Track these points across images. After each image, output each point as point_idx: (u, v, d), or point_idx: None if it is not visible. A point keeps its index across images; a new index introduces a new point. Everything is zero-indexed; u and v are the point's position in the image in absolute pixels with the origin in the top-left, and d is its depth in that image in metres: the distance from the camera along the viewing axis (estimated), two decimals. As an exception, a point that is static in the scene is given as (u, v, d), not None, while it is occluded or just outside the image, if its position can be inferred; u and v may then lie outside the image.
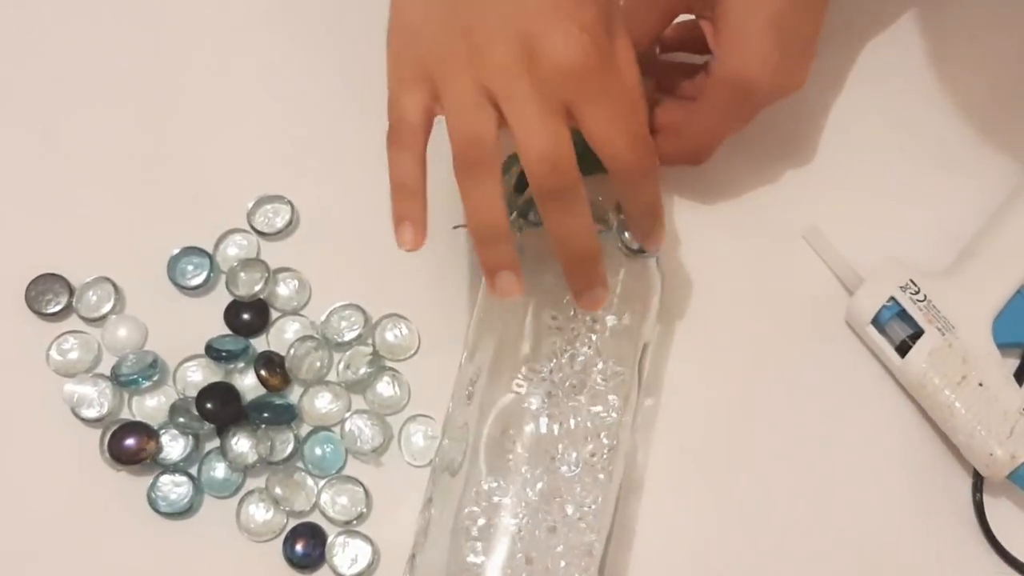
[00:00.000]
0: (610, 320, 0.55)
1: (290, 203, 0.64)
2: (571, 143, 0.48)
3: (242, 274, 0.62)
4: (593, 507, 0.52)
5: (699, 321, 0.62)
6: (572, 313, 0.55)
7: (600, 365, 0.54)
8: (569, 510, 0.52)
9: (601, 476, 0.53)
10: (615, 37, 0.49)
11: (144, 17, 0.68)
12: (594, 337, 0.55)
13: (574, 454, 0.53)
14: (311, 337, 0.61)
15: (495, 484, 0.53)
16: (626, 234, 0.56)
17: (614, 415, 0.54)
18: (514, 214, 0.56)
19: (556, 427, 0.53)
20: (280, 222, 0.63)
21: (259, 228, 0.63)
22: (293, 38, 0.67)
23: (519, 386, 0.54)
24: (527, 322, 0.55)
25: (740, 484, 0.59)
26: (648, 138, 0.50)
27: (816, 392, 0.61)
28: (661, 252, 0.57)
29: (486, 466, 0.53)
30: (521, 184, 0.55)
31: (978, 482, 0.58)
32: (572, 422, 0.53)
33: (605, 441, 0.54)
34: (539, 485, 0.52)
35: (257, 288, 0.61)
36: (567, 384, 0.54)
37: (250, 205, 0.63)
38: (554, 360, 0.54)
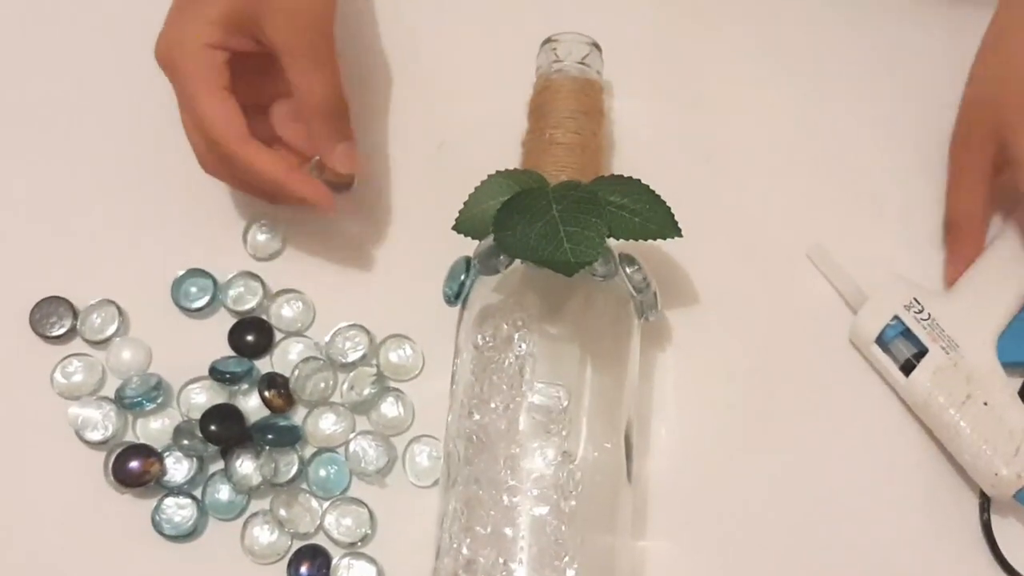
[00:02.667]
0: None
1: (290, 223, 0.64)
2: None
3: (236, 291, 0.62)
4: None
5: (703, 339, 0.62)
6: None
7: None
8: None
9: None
10: None
11: (148, 39, 0.68)
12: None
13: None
14: (315, 358, 0.61)
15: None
16: (637, 294, 0.56)
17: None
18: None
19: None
20: (280, 243, 0.63)
21: (259, 248, 0.63)
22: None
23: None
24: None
25: (745, 503, 0.59)
26: None
27: (821, 411, 0.60)
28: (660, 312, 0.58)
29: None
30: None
31: (985, 502, 0.58)
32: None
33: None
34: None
35: (251, 305, 0.62)
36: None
37: (248, 226, 0.63)
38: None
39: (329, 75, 0.58)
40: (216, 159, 0.59)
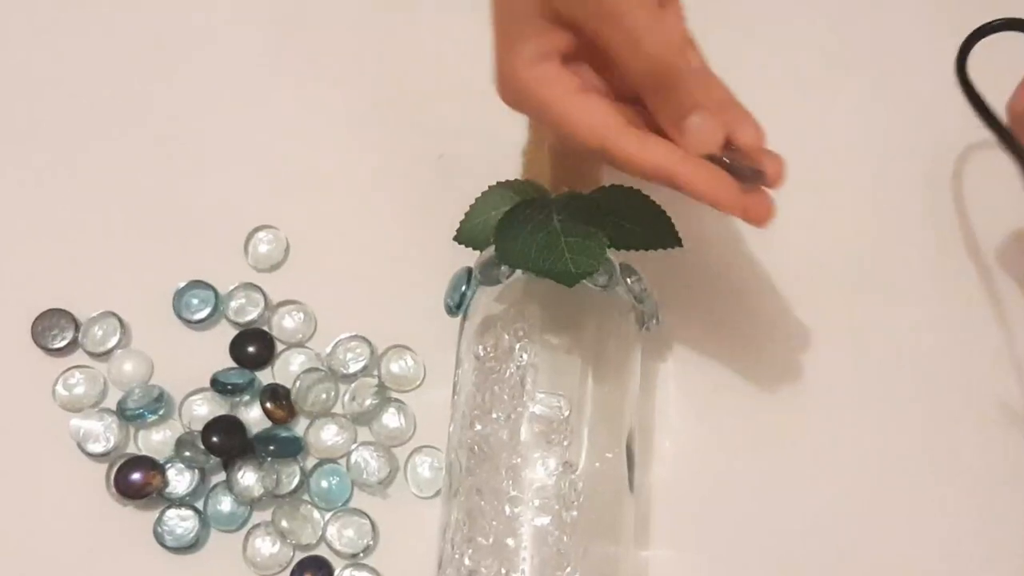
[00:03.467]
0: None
1: (291, 235, 0.64)
2: None
3: (237, 302, 0.62)
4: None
5: (703, 349, 0.62)
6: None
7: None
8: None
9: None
10: None
11: (142, 54, 0.68)
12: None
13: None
14: (317, 369, 0.61)
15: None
16: (638, 304, 0.57)
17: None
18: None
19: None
20: (282, 253, 0.63)
21: (260, 259, 0.63)
22: (288, 73, 0.68)
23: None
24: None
25: (748, 512, 0.59)
26: None
27: (823, 420, 0.60)
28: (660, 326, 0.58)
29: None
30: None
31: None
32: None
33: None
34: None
35: (253, 316, 0.62)
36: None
37: (249, 237, 0.64)
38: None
39: (642, 51, 0.48)
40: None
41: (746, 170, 0.48)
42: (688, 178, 0.48)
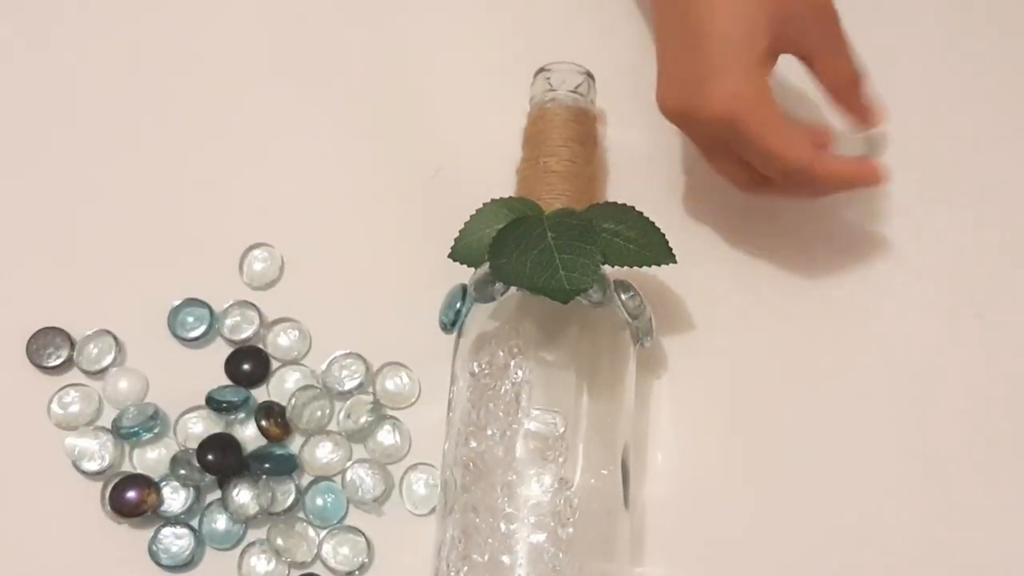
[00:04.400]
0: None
1: (286, 252, 0.64)
2: None
3: (232, 320, 0.62)
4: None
5: (698, 365, 0.62)
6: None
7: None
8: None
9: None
10: None
11: (137, 74, 0.68)
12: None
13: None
14: (312, 386, 0.61)
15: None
16: (633, 320, 0.57)
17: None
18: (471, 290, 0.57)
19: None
20: (277, 271, 0.64)
21: (255, 277, 0.64)
22: (284, 91, 0.68)
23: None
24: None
25: (743, 528, 0.59)
26: None
27: (817, 436, 0.60)
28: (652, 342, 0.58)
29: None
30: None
31: None
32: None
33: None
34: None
35: (248, 334, 0.62)
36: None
37: (244, 255, 0.64)
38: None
39: (847, 48, 0.58)
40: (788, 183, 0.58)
41: None
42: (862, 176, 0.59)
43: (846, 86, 0.59)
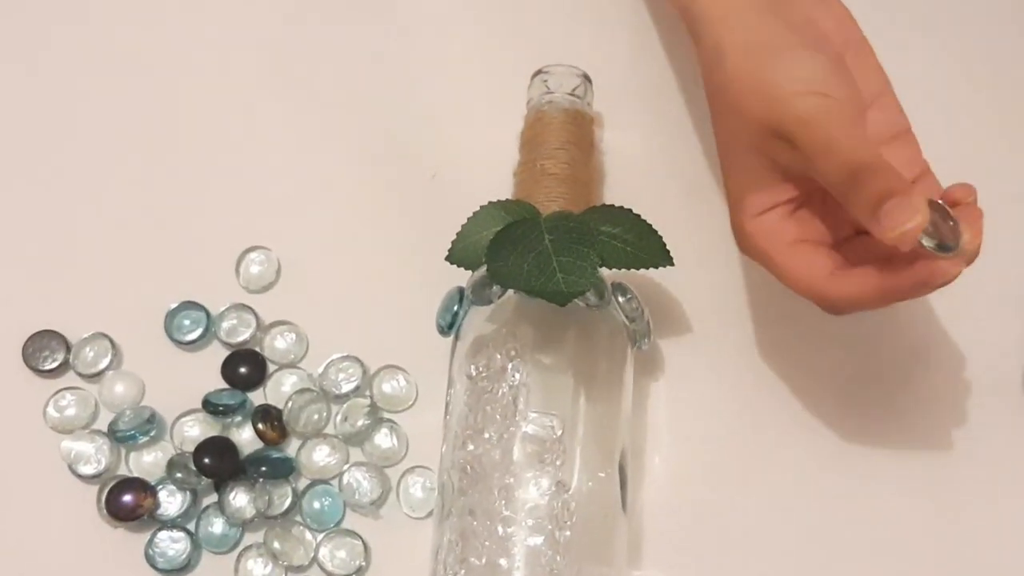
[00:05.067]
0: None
1: (283, 255, 0.64)
2: None
3: (229, 323, 0.62)
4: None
5: (696, 368, 0.62)
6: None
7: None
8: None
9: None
10: None
11: (133, 77, 0.68)
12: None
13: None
14: (309, 390, 0.61)
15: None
16: (630, 323, 0.57)
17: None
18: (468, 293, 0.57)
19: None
20: (273, 274, 0.64)
21: (252, 280, 0.63)
22: (280, 94, 0.68)
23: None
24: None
25: (741, 532, 0.59)
26: None
27: (815, 440, 0.61)
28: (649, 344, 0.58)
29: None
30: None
31: None
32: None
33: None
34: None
35: (244, 337, 0.62)
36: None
37: (241, 257, 0.64)
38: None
39: (836, 152, 0.49)
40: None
41: (946, 246, 0.48)
42: (892, 289, 0.50)
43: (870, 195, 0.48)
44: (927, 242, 0.47)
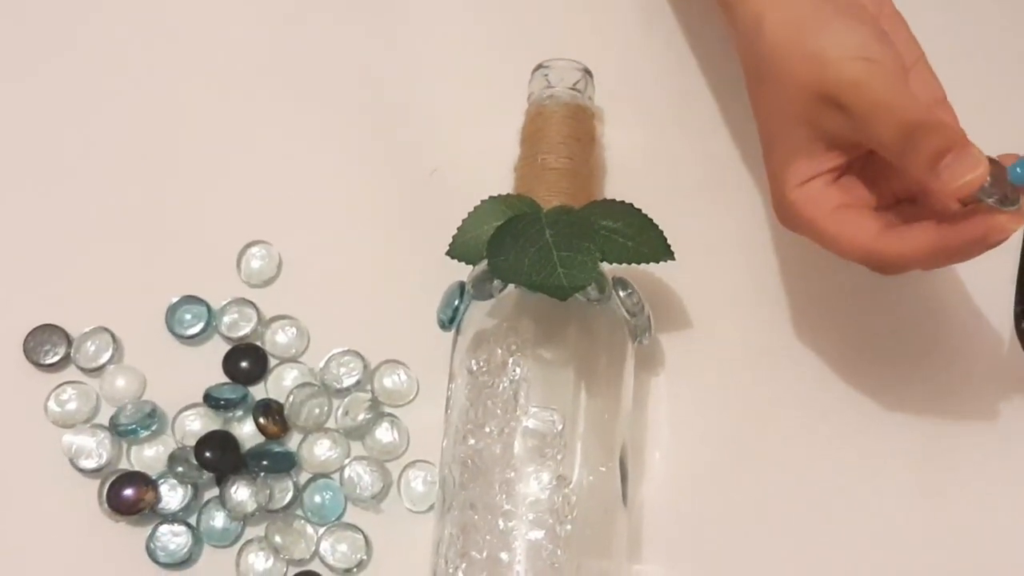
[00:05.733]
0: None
1: (284, 250, 0.64)
2: None
3: (230, 317, 0.62)
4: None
5: (696, 363, 0.62)
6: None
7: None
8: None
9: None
10: None
11: (134, 70, 0.68)
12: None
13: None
14: (310, 384, 0.61)
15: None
16: (631, 318, 0.57)
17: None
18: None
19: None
20: (274, 268, 0.64)
21: (253, 274, 0.63)
22: (280, 89, 0.68)
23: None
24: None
25: (741, 526, 0.59)
26: None
27: (815, 434, 0.61)
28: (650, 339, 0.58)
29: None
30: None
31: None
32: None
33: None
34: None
35: (246, 332, 0.62)
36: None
37: (242, 252, 0.64)
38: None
39: (890, 112, 0.49)
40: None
41: (1007, 199, 0.47)
42: (948, 244, 0.49)
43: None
44: (987, 197, 0.47)
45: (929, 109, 0.50)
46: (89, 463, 0.59)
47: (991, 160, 0.47)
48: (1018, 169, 0.47)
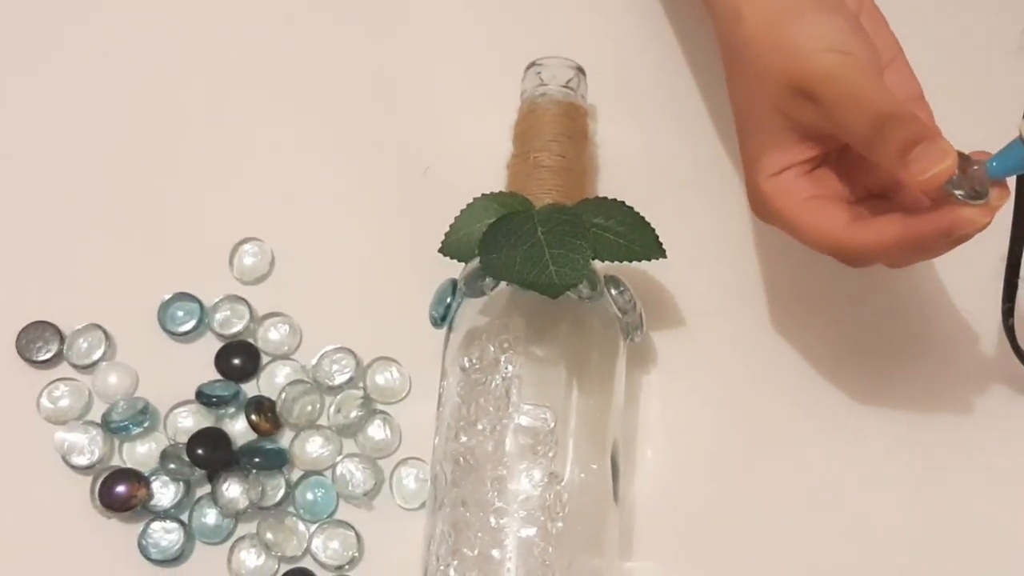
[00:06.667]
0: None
1: (276, 247, 0.64)
2: None
3: (222, 314, 0.62)
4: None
5: (688, 361, 0.62)
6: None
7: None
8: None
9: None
10: None
11: (127, 68, 0.68)
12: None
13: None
14: (302, 381, 0.61)
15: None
16: (623, 316, 0.57)
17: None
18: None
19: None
20: (267, 266, 0.64)
21: (246, 271, 0.63)
22: (274, 86, 0.68)
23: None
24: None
25: (733, 524, 0.59)
26: None
27: (807, 432, 0.61)
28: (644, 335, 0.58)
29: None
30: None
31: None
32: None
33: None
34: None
35: (238, 329, 0.62)
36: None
37: (234, 249, 0.64)
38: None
39: (861, 104, 0.49)
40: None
41: (975, 193, 0.48)
42: (914, 236, 0.49)
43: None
44: (955, 190, 0.47)
45: (900, 101, 0.50)
46: (81, 460, 0.59)
47: (960, 154, 0.48)
48: (994, 163, 0.47)
